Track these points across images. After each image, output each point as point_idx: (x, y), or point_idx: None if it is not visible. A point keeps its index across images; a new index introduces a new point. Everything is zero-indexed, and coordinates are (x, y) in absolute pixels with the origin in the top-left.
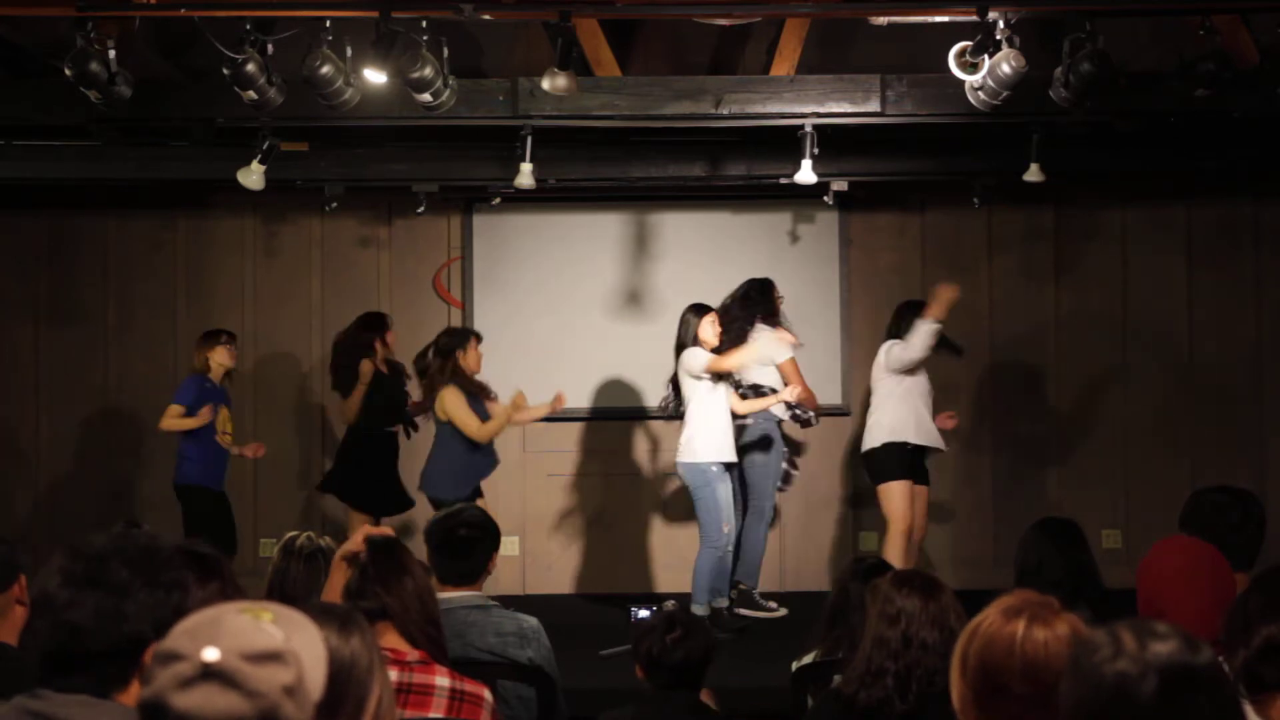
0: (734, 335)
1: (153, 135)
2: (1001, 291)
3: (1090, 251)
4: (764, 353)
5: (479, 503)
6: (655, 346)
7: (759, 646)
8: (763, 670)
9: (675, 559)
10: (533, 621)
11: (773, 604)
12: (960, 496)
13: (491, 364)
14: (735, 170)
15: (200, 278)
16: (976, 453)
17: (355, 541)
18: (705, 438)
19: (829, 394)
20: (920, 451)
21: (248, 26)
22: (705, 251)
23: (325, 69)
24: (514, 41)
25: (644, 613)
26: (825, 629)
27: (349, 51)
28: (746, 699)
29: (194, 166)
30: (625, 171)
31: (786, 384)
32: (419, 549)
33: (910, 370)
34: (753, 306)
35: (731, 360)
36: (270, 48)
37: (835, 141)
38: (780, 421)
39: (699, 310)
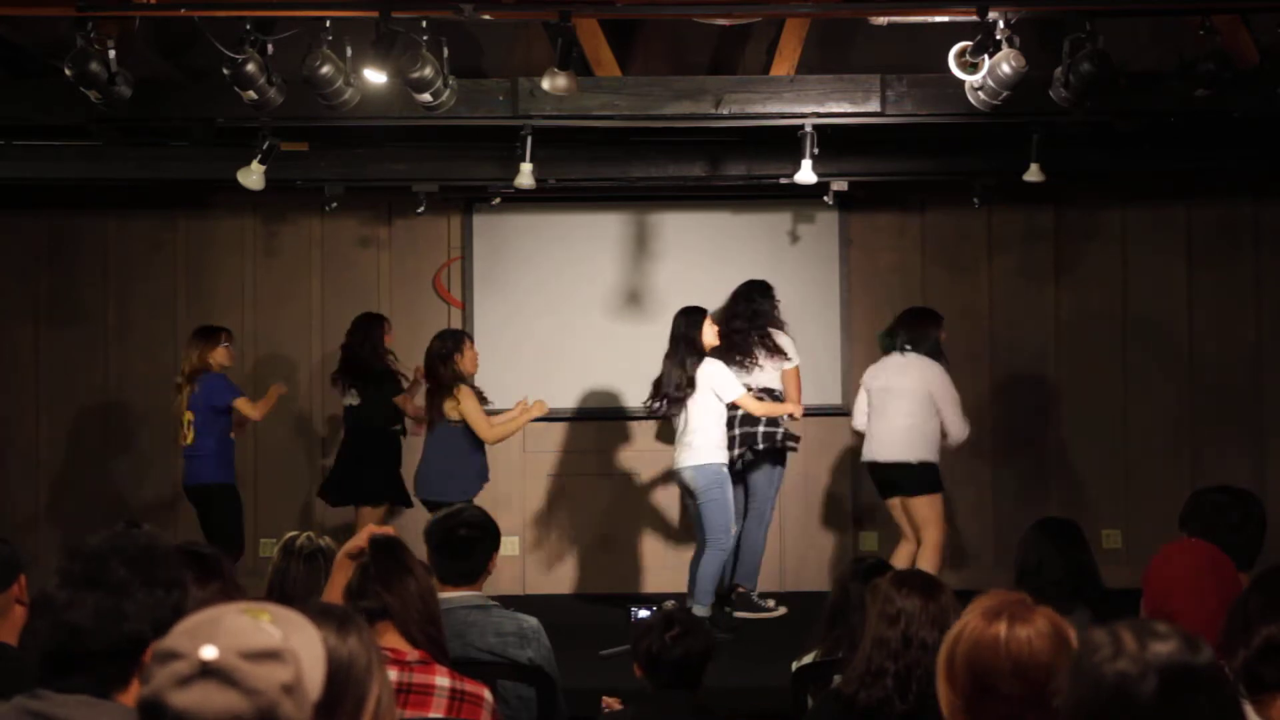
0: (738, 344)
1: (153, 135)
2: (1001, 291)
3: (1090, 251)
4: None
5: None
6: (655, 347)
7: (759, 646)
8: (763, 670)
9: (675, 559)
10: (533, 621)
11: (771, 602)
12: (960, 496)
13: (491, 364)
14: (735, 170)
15: (200, 278)
16: (976, 453)
17: (359, 539)
18: (717, 440)
19: (829, 394)
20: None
21: (248, 26)
22: (705, 251)
23: (325, 69)
24: (514, 41)
25: (644, 613)
26: (825, 629)
27: (349, 51)
28: (746, 699)
29: (194, 166)
30: (625, 171)
31: (785, 391)
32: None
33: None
34: (758, 312)
35: (758, 409)
36: (270, 48)
37: (835, 141)
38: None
39: (689, 313)
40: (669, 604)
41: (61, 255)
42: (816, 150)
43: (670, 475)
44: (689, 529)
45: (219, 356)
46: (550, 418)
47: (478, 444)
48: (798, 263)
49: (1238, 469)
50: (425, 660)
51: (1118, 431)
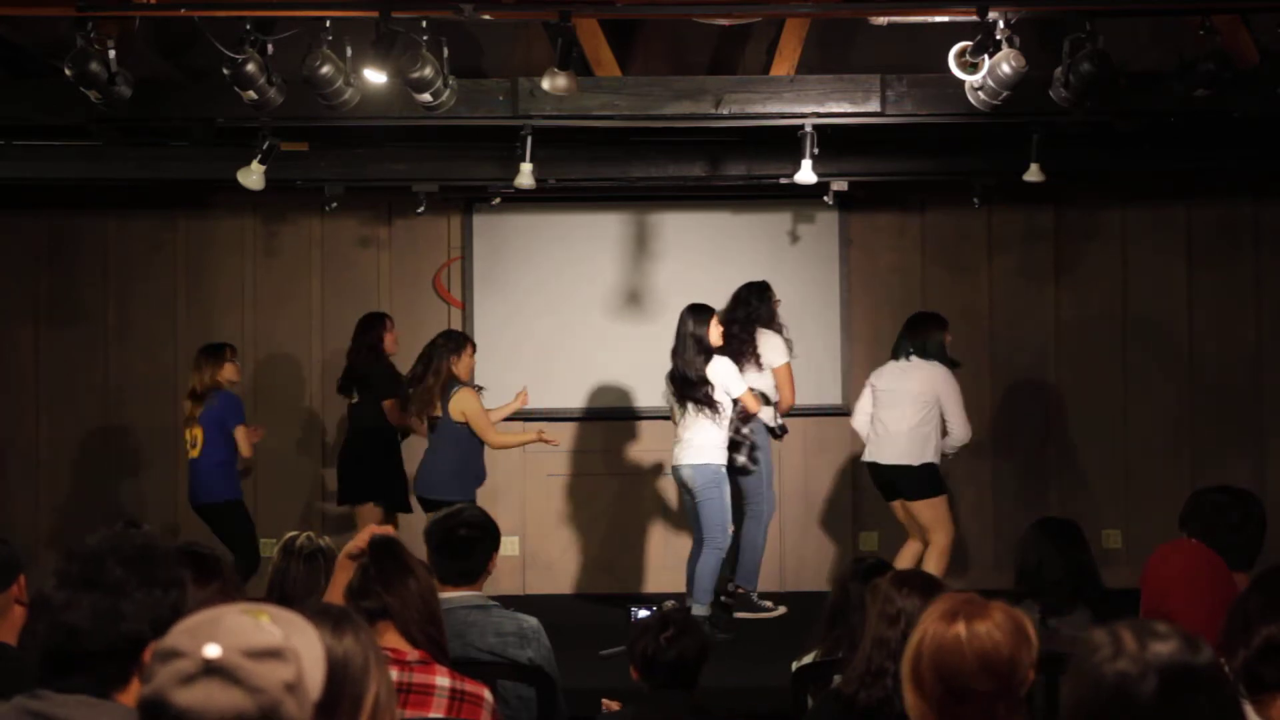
0: (735, 346)
1: (153, 135)
2: (1001, 291)
3: (1090, 251)
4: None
5: None
6: (655, 346)
7: (759, 646)
8: (763, 670)
9: (675, 559)
10: (533, 621)
11: (768, 603)
12: (960, 497)
13: (491, 364)
14: (735, 170)
15: (200, 278)
16: (976, 453)
17: (359, 540)
18: (718, 441)
19: (829, 394)
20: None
21: (248, 26)
22: (705, 251)
23: (325, 69)
24: (514, 41)
25: (644, 613)
26: (825, 629)
27: (349, 51)
28: (746, 699)
29: (194, 166)
30: (625, 171)
31: (779, 390)
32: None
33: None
34: (752, 314)
35: (756, 405)
36: (270, 48)
37: (835, 141)
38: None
39: (697, 311)
40: (669, 604)
41: (61, 255)
42: (816, 150)
43: (670, 473)
44: (689, 529)
45: (228, 373)
46: (550, 418)
47: (479, 445)
48: (798, 263)
49: (1238, 469)
50: (425, 660)
51: (1118, 431)
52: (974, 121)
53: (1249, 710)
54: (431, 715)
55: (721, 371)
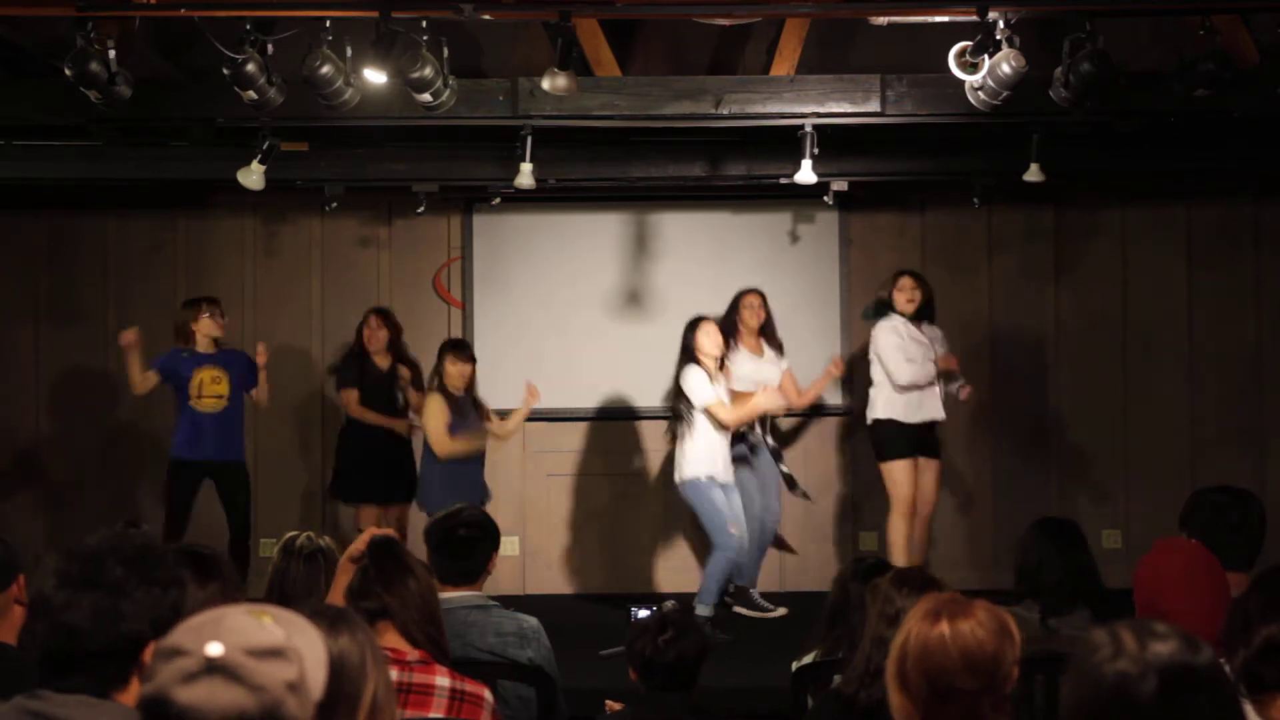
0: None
1: (153, 135)
2: (1001, 291)
3: (1090, 251)
4: (759, 407)
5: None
6: (655, 346)
7: (759, 646)
8: (763, 670)
9: (675, 559)
10: (533, 621)
11: (767, 604)
12: (960, 496)
13: (491, 364)
14: (735, 170)
15: (200, 278)
16: (976, 452)
17: (360, 542)
18: (691, 455)
19: (829, 394)
20: (926, 425)
21: (248, 26)
22: (705, 251)
23: (325, 69)
24: (514, 41)
25: (644, 613)
26: (825, 629)
27: (349, 51)
28: (746, 699)
29: (194, 166)
30: (625, 171)
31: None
32: (420, 550)
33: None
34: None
35: (726, 415)
36: (270, 48)
37: (835, 141)
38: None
39: (690, 322)
40: (669, 604)
41: (61, 255)
42: (816, 150)
43: (670, 474)
44: (688, 529)
45: (202, 327)
46: (550, 418)
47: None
48: (798, 263)
49: (1238, 469)
50: (425, 660)
51: (1118, 431)
52: (974, 121)
53: (1249, 710)
54: (431, 715)
55: (687, 381)
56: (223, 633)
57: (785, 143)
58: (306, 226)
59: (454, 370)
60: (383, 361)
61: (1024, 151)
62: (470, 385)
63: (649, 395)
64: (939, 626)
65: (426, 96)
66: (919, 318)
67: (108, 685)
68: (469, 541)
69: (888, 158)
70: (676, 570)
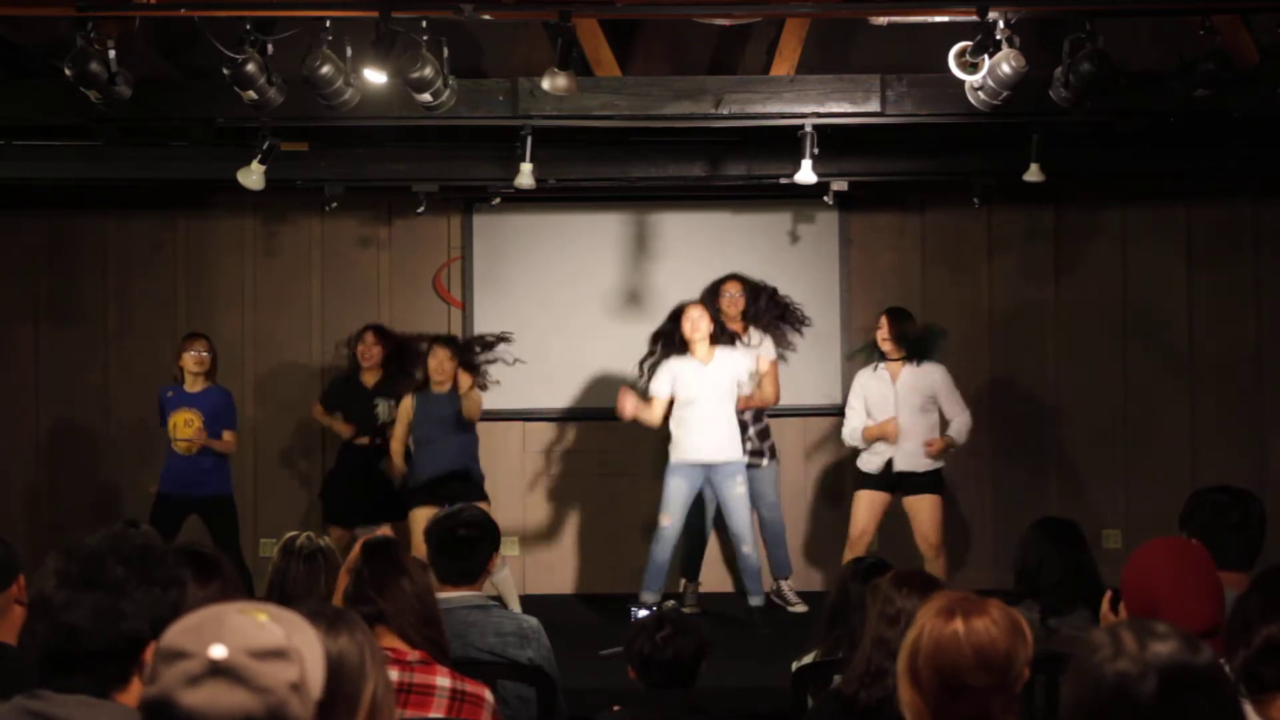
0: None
1: (153, 135)
2: (1001, 291)
3: (1090, 251)
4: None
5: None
6: None
7: (759, 646)
8: (763, 670)
9: (675, 559)
10: (533, 621)
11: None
12: (960, 497)
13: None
14: (735, 170)
15: (200, 278)
16: (976, 452)
17: (355, 552)
18: (673, 440)
19: (829, 394)
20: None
21: (248, 26)
22: (705, 251)
23: (325, 69)
24: (514, 41)
25: (644, 613)
26: (825, 629)
27: (349, 51)
28: (746, 699)
29: (194, 166)
30: (625, 171)
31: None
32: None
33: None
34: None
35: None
36: (270, 48)
37: (835, 141)
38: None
39: (676, 312)
40: (669, 604)
41: (61, 255)
42: (816, 150)
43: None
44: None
45: (182, 362)
46: (550, 418)
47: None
48: (798, 263)
49: (1238, 469)
50: (426, 660)
51: (1118, 431)
52: (974, 121)
53: (1249, 710)
54: (432, 715)
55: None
56: (224, 634)
57: (785, 143)
58: (306, 226)
59: (431, 362)
60: (369, 378)
61: (1024, 151)
62: (455, 378)
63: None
64: (953, 623)
65: (426, 96)
66: (907, 359)
67: (108, 685)
68: (469, 541)
69: (888, 158)
70: (676, 570)
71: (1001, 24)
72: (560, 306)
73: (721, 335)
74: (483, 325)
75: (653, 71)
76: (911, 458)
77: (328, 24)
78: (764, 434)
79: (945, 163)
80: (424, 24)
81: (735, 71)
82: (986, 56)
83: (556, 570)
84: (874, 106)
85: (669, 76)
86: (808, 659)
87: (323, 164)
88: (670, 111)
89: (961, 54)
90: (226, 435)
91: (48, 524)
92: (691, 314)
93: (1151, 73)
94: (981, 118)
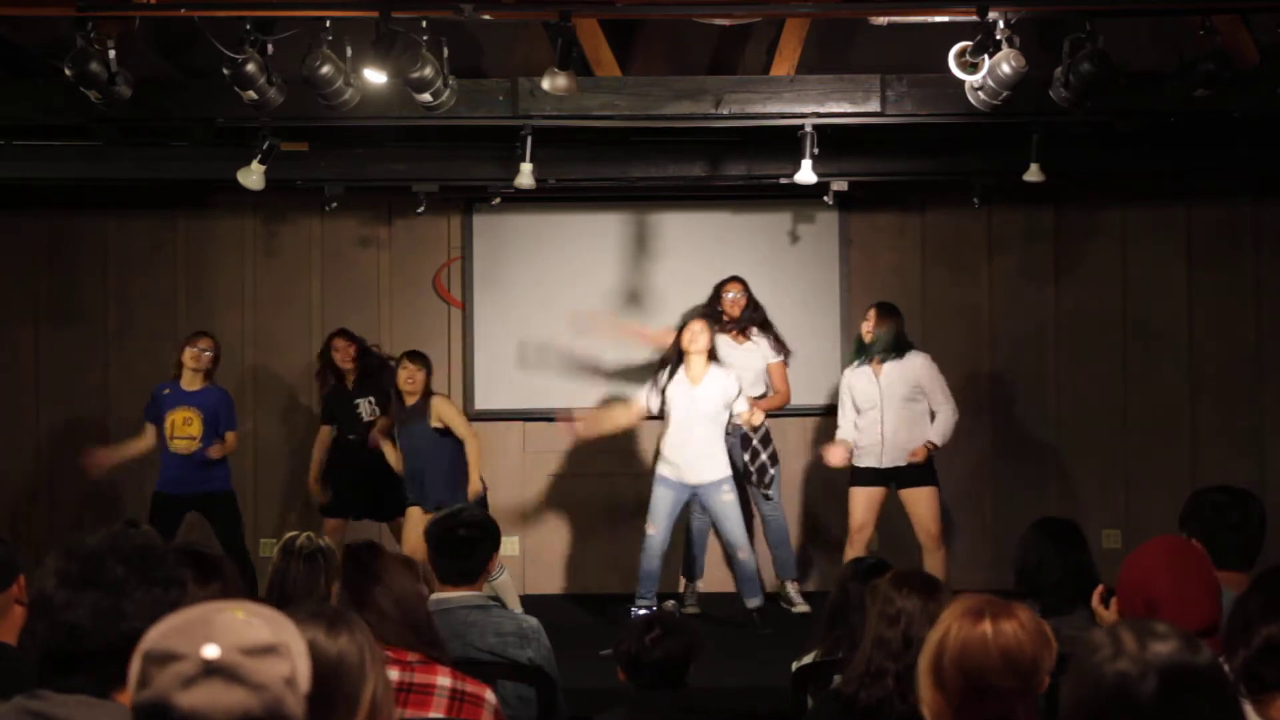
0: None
1: (153, 135)
2: (1001, 291)
3: (1090, 251)
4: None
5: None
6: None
7: (759, 646)
8: (763, 670)
9: (675, 559)
10: (533, 621)
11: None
12: (960, 497)
13: (491, 364)
14: (735, 170)
15: (200, 278)
16: (976, 452)
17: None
18: (660, 454)
19: (828, 394)
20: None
21: (248, 26)
22: (705, 251)
23: (325, 69)
24: (514, 41)
25: (643, 613)
26: (825, 629)
27: (349, 51)
28: (746, 699)
29: (194, 166)
30: (625, 171)
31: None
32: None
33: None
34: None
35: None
36: (270, 48)
37: (835, 141)
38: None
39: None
40: (669, 604)
41: (61, 255)
42: (816, 150)
43: None
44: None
45: (183, 358)
46: (550, 418)
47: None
48: (798, 263)
49: (1238, 469)
50: (425, 660)
51: (1118, 431)
52: (974, 121)
53: (1249, 710)
54: (432, 715)
55: None
56: (215, 633)
57: (785, 143)
58: (306, 226)
59: (401, 374)
60: (349, 379)
61: (1024, 151)
62: (425, 390)
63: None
64: (982, 625)
65: (426, 96)
66: (889, 353)
67: (108, 685)
68: (469, 541)
69: (888, 158)
70: (676, 570)
71: (1001, 24)
72: (561, 306)
73: (729, 325)
74: (483, 325)
75: (653, 71)
76: (902, 452)
77: (328, 24)
78: (773, 457)
79: (945, 163)
80: (424, 24)
81: (735, 71)
82: (986, 56)
83: (556, 570)
84: (874, 106)
85: (669, 76)
86: (808, 659)
87: (323, 164)
88: (670, 111)
89: (961, 54)
90: (228, 435)
91: (48, 524)
92: (693, 327)
93: (1151, 73)
94: (981, 118)
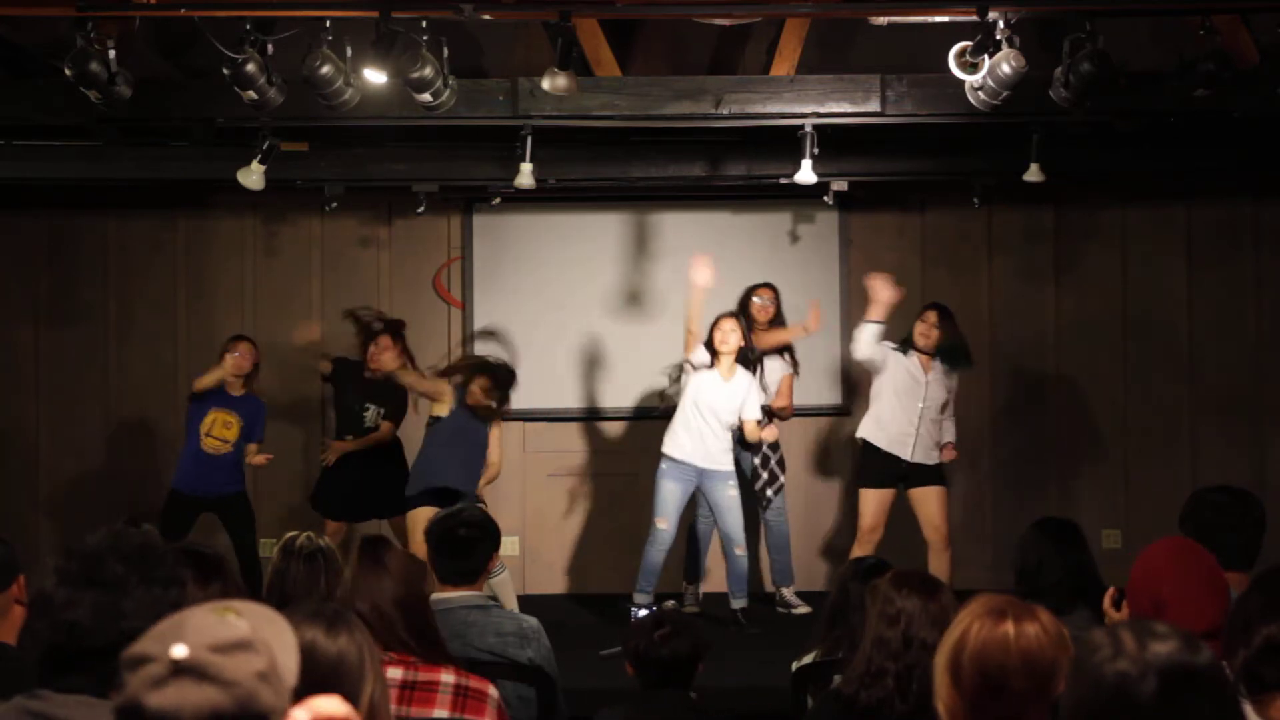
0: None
1: (153, 135)
2: (1002, 292)
3: (1090, 251)
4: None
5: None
6: (655, 346)
7: (759, 646)
8: (763, 670)
9: (675, 559)
10: (533, 621)
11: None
12: (960, 497)
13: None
14: (735, 170)
15: (200, 278)
16: (976, 452)
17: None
18: (672, 433)
19: (829, 394)
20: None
21: (248, 26)
22: (705, 251)
23: (325, 69)
24: (514, 41)
25: (644, 612)
26: (825, 629)
27: (349, 51)
28: (746, 699)
29: (194, 166)
30: (625, 171)
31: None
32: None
33: (877, 369)
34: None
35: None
36: (270, 48)
37: (835, 141)
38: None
39: (715, 321)
40: (669, 604)
41: (61, 255)
42: (816, 150)
43: None
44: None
45: (226, 366)
46: (550, 417)
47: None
48: (798, 263)
49: (1238, 469)
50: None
51: (1118, 431)
52: (974, 121)
53: (1249, 710)
54: (436, 712)
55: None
56: (186, 634)
57: (785, 143)
58: (306, 226)
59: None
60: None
61: (1024, 151)
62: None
63: (649, 395)
64: (1004, 625)
65: (426, 96)
66: (958, 365)
67: (108, 685)
68: (469, 541)
69: (888, 158)
70: (677, 570)
71: (1001, 24)
72: (560, 306)
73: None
74: (483, 325)
75: (653, 71)
76: (927, 451)
77: (328, 24)
78: (781, 463)
79: (945, 163)
80: (424, 24)
81: (735, 71)
82: (986, 56)
83: (556, 570)
84: (874, 106)
85: (669, 76)
86: (808, 659)
87: (323, 164)
88: (670, 111)
89: (961, 54)
90: (251, 448)
91: (48, 525)
92: (724, 325)
93: (1151, 73)
94: (981, 118)
